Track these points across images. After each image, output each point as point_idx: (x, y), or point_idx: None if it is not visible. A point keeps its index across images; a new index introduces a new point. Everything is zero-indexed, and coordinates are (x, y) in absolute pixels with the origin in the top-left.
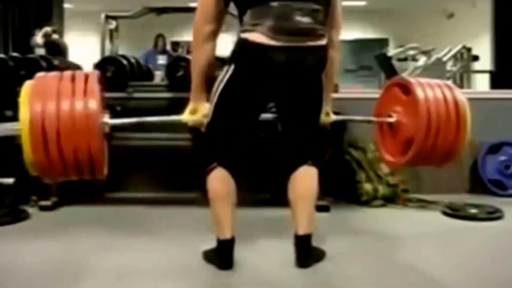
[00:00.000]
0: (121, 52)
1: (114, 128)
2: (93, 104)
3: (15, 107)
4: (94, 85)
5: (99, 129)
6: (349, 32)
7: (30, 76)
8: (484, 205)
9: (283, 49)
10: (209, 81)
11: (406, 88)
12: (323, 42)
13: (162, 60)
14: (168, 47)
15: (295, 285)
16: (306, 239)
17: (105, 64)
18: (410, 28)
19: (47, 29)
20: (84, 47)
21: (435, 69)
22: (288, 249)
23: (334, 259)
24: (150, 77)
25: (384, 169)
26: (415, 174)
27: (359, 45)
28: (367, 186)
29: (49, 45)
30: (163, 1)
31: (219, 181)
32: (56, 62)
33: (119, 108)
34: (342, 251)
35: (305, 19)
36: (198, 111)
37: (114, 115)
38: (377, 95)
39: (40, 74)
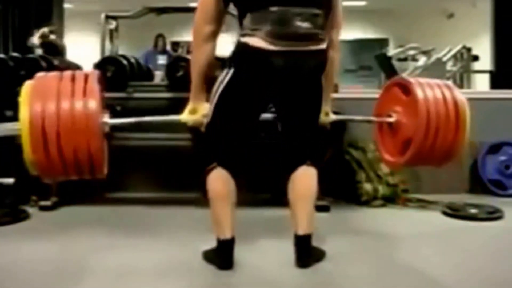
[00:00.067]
0: (121, 52)
1: (114, 128)
2: (93, 104)
3: (15, 107)
4: (94, 85)
5: (99, 128)
6: (349, 32)
7: (30, 76)
8: (484, 205)
9: (281, 54)
10: (209, 81)
11: (406, 88)
12: (323, 46)
13: (162, 60)
14: (168, 47)
15: (295, 285)
16: (306, 239)
17: (105, 64)
18: (410, 28)
19: (44, 29)
20: (84, 47)
21: (435, 69)
22: (288, 249)
23: (334, 259)
24: (150, 77)
25: (384, 169)
26: (415, 174)
27: (359, 45)
28: (367, 186)
29: (47, 46)
30: (163, 1)
31: (219, 181)
32: (56, 62)
33: (119, 108)
34: (342, 251)
35: (305, 24)
36: (197, 111)
37: (114, 115)
38: (377, 95)
39: (40, 74)
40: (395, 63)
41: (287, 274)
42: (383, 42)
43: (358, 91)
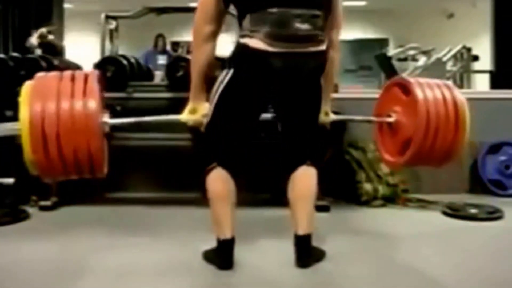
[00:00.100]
0: (121, 52)
1: (114, 128)
2: (93, 104)
3: (15, 107)
4: (94, 85)
5: (98, 128)
6: (349, 32)
7: (30, 76)
8: (484, 205)
9: (280, 55)
10: (208, 81)
11: (406, 88)
12: (322, 47)
13: (162, 60)
14: (168, 47)
15: (295, 285)
16: (306, 239)
17: (105, 64)
18: (410, 28)
19: (42, 30)
20: (84, 47)
21: (435, 69)
22: (288, 249)
23: (334, 259)
24: (150, 77)
25: (384, 169)
26: (415, 174)
27: (359, 45)
28: (367, 186)
29: (45, 46)
30: (163, 1)
31: (219, 181)
32: (56, 62)
33: (119, 108)
34: (342, 251)
35: (304, 26)
36: (197, 111)
37: (114, 115)
38: (377, 95)
39: (40, 74)
40: (395, 63)
41: (287, 274)
42: (383, 42)
43: (358, 91)
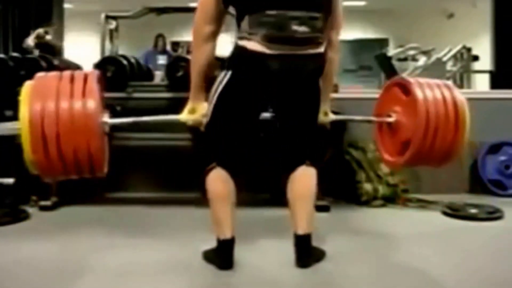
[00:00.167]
0: (121, 52)
1: (114, 128)
2: (92, 103)
3: (15, 107)
4: (94, 85)
5: (98, 128)
6: (349, 32)
7: (30, 76)
8: (484, 205)
9: (277, 58)
10: (208, 81)
11: (406, 88)
12: (320, 49)
13: (162, 60)
14: (168, 47)
15: (295, 285)
16: (306, 239)
17: (105, 64)
18: (410, 28)
19: (40, 30)
20: (84, 47)
21: (435, 69)
22: (288, 249)
23: (334, 259)
24: (150, 77)
25: (384, 169)
26: (415, 174)
27: (359, 45)
28: (367, 186)
29: (42, 47)
30: (163, 1)
31: (219, 181)
32: (56, 62)
33: (119, 108)
34: (342, 251)
35: (302, 28)
36: (197, 111)
37: (114, 115)
38: (377, 95)
39: (40, 74)
40: (395, 63)
41: (287, 274)
42: (383, 42)
43: (358, 91)
